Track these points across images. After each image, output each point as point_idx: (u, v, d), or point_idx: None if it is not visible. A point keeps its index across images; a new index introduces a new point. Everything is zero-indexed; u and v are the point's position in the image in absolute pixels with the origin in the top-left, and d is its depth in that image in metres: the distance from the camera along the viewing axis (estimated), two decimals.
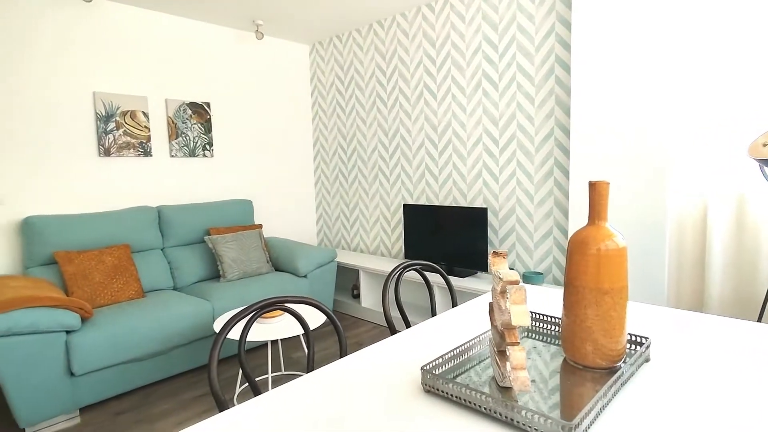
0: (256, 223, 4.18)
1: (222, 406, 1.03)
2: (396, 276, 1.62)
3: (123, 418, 2.34)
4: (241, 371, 2.50)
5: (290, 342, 3.33)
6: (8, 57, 2.84)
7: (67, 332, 2.31)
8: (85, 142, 3.17)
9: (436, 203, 3.61)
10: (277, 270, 3.56)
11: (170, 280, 3.24)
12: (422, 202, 3.71)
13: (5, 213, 2.87)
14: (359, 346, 3.23)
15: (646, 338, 1.08)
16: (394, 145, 3.87)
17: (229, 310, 2.91)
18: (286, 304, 1.36)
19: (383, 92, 3.89)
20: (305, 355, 3.09)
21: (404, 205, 3.65)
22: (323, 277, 3.53)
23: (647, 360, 1.06)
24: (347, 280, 4.41)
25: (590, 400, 0.89)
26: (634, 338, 1.11)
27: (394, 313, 3.58)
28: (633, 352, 1.10)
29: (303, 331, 2.42)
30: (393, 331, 1.46)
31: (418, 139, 3.68)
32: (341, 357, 1.26)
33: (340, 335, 1.30)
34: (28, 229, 2.79)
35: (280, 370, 2.86)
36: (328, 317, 1.28)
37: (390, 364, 1.10)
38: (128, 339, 2.47)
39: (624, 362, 1.04)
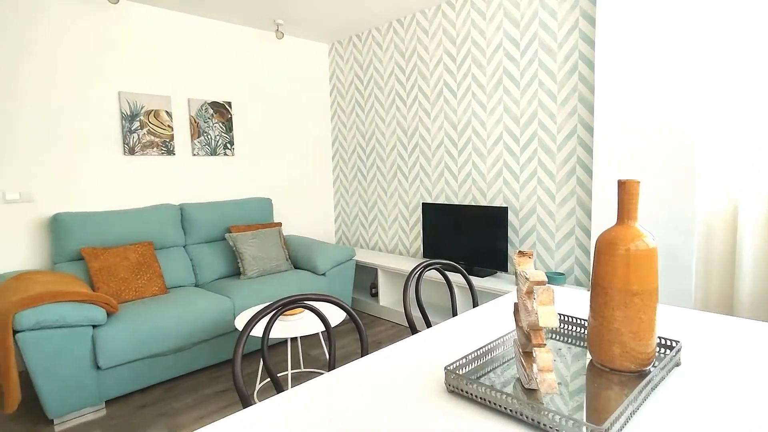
0: (276, 221, 4.22)
1: (246, 402, 1.03)
2: (417, 275, 1.61)
3: (146, 412, 2.39)
4: (261, 367, 2.53)
5: (309, 339, 3.35)
6: (38, 58, 2.92)
7: (94, 326, 2.36)
8: (110, 141, 3.24)
9: (456, 202, 3.58)
10: (296, 268, 3.58)
11: (192, 277, 3.29)
12: (441, 201, 3.69)
13: (35, 210, 2.96)
14: (378, 344, 3.23)
15: (677, 342, 1.05)
16: (413, 143, 3.86)
17: (250, 307, 2.94)
18: (308, 302, 1.36)
19: (402, 91, 3.88)
20: (324, 352, 3.10)
21: (423, 203, 3.64)
22: (342, 276, 3.54)
23: (678, 364, 1.03)
24: (365, 278, 4.41)
25: (619, 404, 0.86)
26: (664, 341, 1.08)
27: (415, 313, 3.57)
28: (663, 355, 1.07)
29: (323, 329, 2.43)
30: (414, 330, 1.46)
31: (438, 137, 3.66)
32: (362, 356, 1.26)
33: (362, 334, 1.30)
34: (57, 226, 2.87)
35: (300, 367, 2.88)
36: (350, 316, 1.29)
37: (412, 364, 1.09)
38: (152, 334, 2.51)
39: (654, 366, 1.02)
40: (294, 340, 3.28)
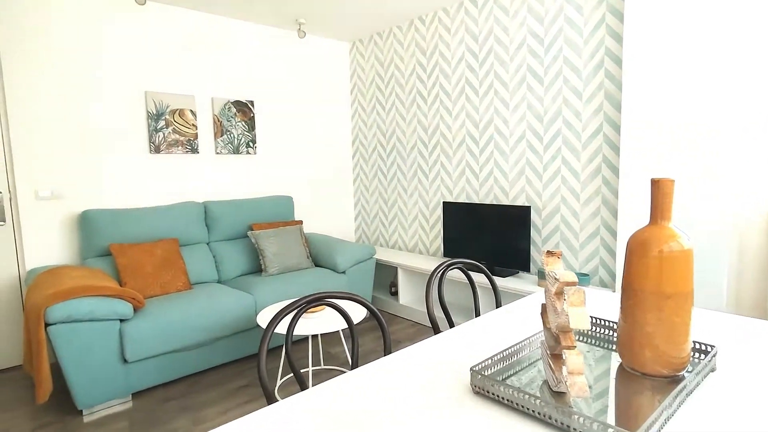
0: (297, 219, 4.26)
1: (270, 398, 1.04)
2: (440, 274, 1.60)
3: (171, 405, 2.44)
4: (282, 363, 2.55)
5: (329, 336, 3.37)
6: (67, 58, 3.01)
7: (121, 321, 2.42)
8: (137, 140, 3.32)
9: (477, 201, 3.55)
10: (316, 266, 3.60)
11: (215, 274, 3.34)
12: (462, 199, 3.66)
13: (66, 207, 3.05)
14: (398, 343, 3.23)
15: (712, 346, 1.01)
16: (433, 141, 3.83)
17: (271, 304, 2.97)
18: (332, 300, 1.36)
19: (423, 89, 3.86)
20: (344, 350, 3.11)
21: (444, 202, 3.61)
22: (362, 274, 3.54)
23: (713, 369, 1.00)
24: (385, 276, 4.41)
25: (653, 410, 0.84)
26: (698, 346, 1.04)
27: (437, 312, 3.55)
28: (697, 360, 1.03)
29: (344, 327, 2.44)
30: (436, 330, 1.44)
31: (459, 135, 3.62)
32: (385, 354, 1.26)
33: (385, 333, 1.29)
34: (86, 223, 2.95)
35: (320, 364, 2.90)
36: (373, 315, 1.28)
37: (436, 364, 1.08)
38: (176, 329, 2.56)
39: (688, 371, 0.99)
40: (314, 337, 3.30)
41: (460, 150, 3.63)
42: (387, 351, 1.29)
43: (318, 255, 3.59)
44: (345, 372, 2.78)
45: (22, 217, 2.90)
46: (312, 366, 2.88)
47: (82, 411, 2.38)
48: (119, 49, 3.20)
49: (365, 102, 4.46)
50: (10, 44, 2.80)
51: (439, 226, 3.89)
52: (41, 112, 2.92)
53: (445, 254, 3.66)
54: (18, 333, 2.96)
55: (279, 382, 2.56)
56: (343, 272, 3.44)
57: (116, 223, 3.01)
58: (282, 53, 4.07)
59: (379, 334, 3.40)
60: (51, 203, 2.99)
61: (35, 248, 2.95)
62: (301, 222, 3.77)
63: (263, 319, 2.51)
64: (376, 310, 1.30)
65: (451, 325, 1.51)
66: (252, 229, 3.57)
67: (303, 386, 1.11)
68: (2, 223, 2.87)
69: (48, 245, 3.00)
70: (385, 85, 4.22)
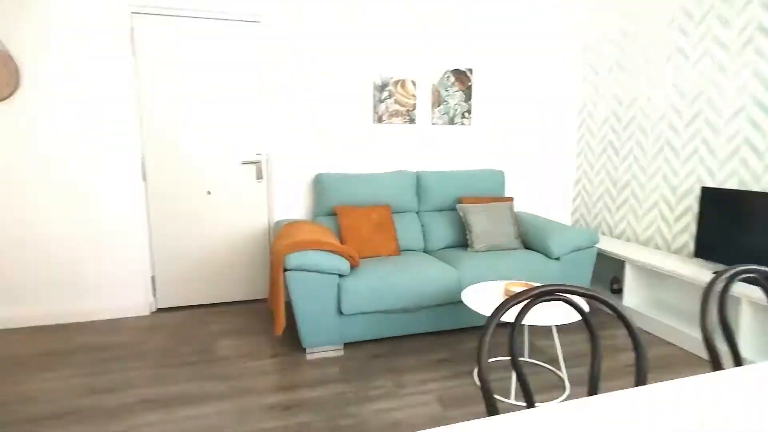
0: (507, 195, 3.99)
1: (491, 408, 0.88)
2: (723, 286, 1.16)
3: (376, 362, 2.57)
4: (480, 345, 2.41)
5: (537, 327, 3.07)
6: (315, 40, 3.35)
7: (340, 276, 2.64)
8: (364, 110, 3.54)
9: (757, 189, 2.66)
10: (525, 247, 3.30)
11: (422, 243, 3.38)
12: (732, 185, 2.80)
13: (306, 169, 3.48)
14: (615, 350, 2.73)
15: None
16: (693, 110, 3.01)
17: (476, 282, 2.84)
18: (568, 295, 1.11)
19: (686, 43, 3.04)
20: (553, 344, 2.79)
21: (702, 188, 2.82)
22: (579, 263, 3.09)
23: None
24: (604, 270, 3.80)
25: None
26: None
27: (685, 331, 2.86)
28: None
29: (559, 323, 2.13)
30: (716, 363, 1.05)
31: (737, 101, 2.74)
32: (638, 383, 0.96)
33: (641, 354, 0.98)
34: (318, 185, 3.31)
35: (523, 356, 2.66)
36: (627, 329, 0.98)
37: (727, 414, 0.74)
38: (384, 291, 2.66)
39: None
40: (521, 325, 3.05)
41: (735, 120, 2.76)
42: (641, 376, 0.97)
43: (528, 236, 3.28)
44: (552, 370, 2.48)
45: (273, 176, 3.42)
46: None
47: (305, 349, 2.71)
48: (353, 29, 3.42)
49: (599, 63, 3.80)
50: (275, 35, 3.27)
51: (689, 217, 3.09)
52: (288, 91, 3.36)
53: (697, 254, 2.89)
54: (267, 272, 3.58)
55: (513, 389, 2.43)
56: (557, 258, 3.06)
57: (342, 186, 3.29)
58: (503, 14, 3.75)
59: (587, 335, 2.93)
60: (295, 165, 3.46)
61: (281, 203, 3.47)
62: (511, 199, 3.50)
63: (469, 298, 2.39)
64: (631, 322, 0.99)
65: (738, 362, 1.08)
66: (461, 203, 3.47)
67: (530, 403, 0.92)
68: (260, 179, 3.45)
69: (290, 201, 3.49)
70: (628, 41, 3.49)
